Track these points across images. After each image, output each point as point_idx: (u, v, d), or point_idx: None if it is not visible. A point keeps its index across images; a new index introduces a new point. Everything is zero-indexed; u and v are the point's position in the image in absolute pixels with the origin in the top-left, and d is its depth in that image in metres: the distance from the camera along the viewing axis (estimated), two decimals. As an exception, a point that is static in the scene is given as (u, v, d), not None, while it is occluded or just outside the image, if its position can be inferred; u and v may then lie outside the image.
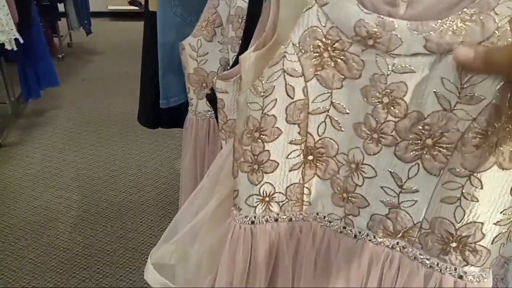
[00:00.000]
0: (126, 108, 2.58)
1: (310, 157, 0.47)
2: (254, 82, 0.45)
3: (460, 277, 0.44)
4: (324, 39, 0.43)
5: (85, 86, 3.03)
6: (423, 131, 0.41)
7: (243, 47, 0.63)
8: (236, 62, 0.65)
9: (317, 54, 0.44)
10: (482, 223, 0.42)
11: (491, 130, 0.39)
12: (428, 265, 0.45)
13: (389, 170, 0.44)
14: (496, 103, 0.38)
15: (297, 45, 0.44)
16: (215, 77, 0.61)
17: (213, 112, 0.81)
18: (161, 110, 1.00)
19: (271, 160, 0.46)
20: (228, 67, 0.80)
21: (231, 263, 0.51)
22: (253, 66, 0.45)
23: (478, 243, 0.42)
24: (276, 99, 0.44)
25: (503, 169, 0.40)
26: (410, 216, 0.45)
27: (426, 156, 0.42)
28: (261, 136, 0.45)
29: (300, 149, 0.46)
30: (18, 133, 2.37)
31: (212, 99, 0.64)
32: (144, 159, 2.13)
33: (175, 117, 1.04)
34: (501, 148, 0.39)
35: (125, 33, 4.06)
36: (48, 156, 2.17)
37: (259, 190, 0.48)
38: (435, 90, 0.40)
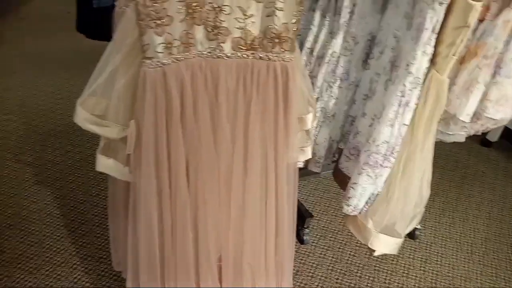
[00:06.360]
0: (68, 45, 2.66)
1: (190, 11, 0.71)
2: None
3: (282, 59, 0.79)
4: None
5: (25, 24, 3.02)
6: None
7: None
8: None
9: None
10: (287, 23, 0.75)
11: None
12: (267, 58, 0.78)
13: (238, 6, 0.73)
14: None
15: None
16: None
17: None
18: (92, 18, 1.19)
19: (168, 15, 0.70)
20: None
21: (152, 100, 0.75)
22: None
23: (287, 36, 0.76)
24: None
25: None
26: (252, 32, 0.76)
27: None
28: (159, -2, 0.68)
29: (184, 5, 0.71)
30: (-42, 65, 2.41)
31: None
32: (88, 89, 2.28)
33: (103, 26, 1.24)
34: None
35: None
36: (-8, 86, 2.25)
37: (164, 39, 0.72)
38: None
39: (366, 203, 0.97)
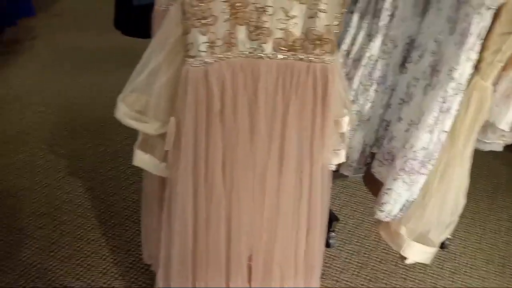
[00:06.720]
0: (99, 42, 2.72)
1: (234, 11, 0.72)
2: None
3: (322, 61, 0.79)
4: None
5: (58, 21, 3.11)
6: None
7: None
8: None
9: None
10: (329, 25, 0.74)
11: None
12: (307, 60, 0.77)
13: (281, 7, 0.72)
14: None
15: None
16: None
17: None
18: (131, 16, 1.21)
19: (213, 15, 0.71)
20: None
21: (193, 98, 0.76)
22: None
23: (329, 37, 0.76)
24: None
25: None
26: (294, 33, 0.75)
27: None
28: (205, -3, 0.69)
29: (228, 5, 0.72)
30: (-3, 58, 2.50)
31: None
32: (119, 85, 2.32)
33: (142, 23, 1.26)
34: None
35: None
36: (28, 79, 2.33)
37: (208, 38, 0.73)
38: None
39: (400, 209, 0.95)
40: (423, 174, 0.90)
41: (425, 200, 0.93)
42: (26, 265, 1.36)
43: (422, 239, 0.96)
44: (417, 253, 0.97)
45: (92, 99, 2.20)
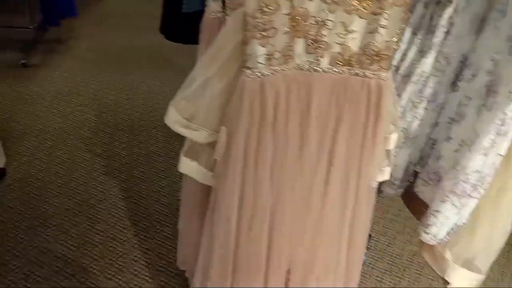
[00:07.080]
0: (139, 43, 2.78)
1: (294, 24, 0.72)
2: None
3: (378, 77, 0.77)
4: None
5: (101, 21, 3.19)
6: None
7: None
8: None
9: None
10: (388, 41, 0.73)
11: None
12: (363, 75, 0.76)
13: (341, 21, 0.72)
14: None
15: None
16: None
17: (222, 11, 1.03)
18: (180, 22, 1.23)
19: (273, 27, 0.71)
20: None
21: (248, 110, 0.76)
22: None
23: (387, 54, 0.74)
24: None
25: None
26: (352, 48, 0.74)
27: (359, 7, 0.71)
28: (268, 9, 0.69)
29: (290, 18, 0.71)
30: (40, 56, 2.58)
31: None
32: (156, 86, 2.36)
33: (189, 30, 1.27)
34: None
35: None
36: (68, 78, 2.40)
37: (267, 51, 0.73)
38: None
39: (447, 233, 0.92)
40: (474, 197, 0.87)
41: (475, 225, 0.89)
42: (61, 261, 1.38)
43: (468, 265, 0.92)
44: (463, 279, 0.93)
45: (129, 100, 2.24)
